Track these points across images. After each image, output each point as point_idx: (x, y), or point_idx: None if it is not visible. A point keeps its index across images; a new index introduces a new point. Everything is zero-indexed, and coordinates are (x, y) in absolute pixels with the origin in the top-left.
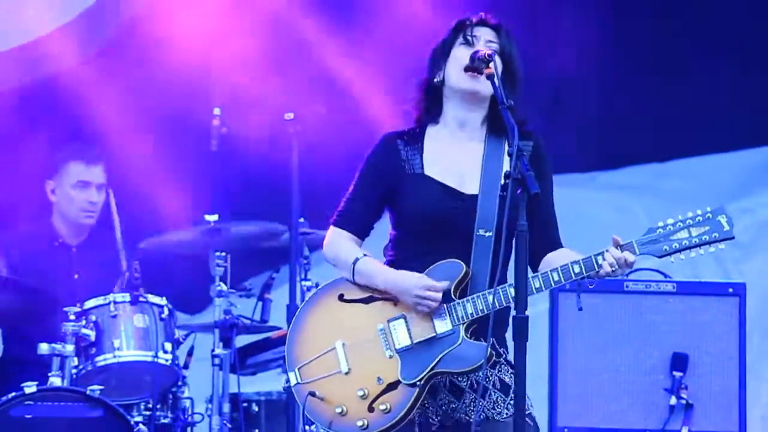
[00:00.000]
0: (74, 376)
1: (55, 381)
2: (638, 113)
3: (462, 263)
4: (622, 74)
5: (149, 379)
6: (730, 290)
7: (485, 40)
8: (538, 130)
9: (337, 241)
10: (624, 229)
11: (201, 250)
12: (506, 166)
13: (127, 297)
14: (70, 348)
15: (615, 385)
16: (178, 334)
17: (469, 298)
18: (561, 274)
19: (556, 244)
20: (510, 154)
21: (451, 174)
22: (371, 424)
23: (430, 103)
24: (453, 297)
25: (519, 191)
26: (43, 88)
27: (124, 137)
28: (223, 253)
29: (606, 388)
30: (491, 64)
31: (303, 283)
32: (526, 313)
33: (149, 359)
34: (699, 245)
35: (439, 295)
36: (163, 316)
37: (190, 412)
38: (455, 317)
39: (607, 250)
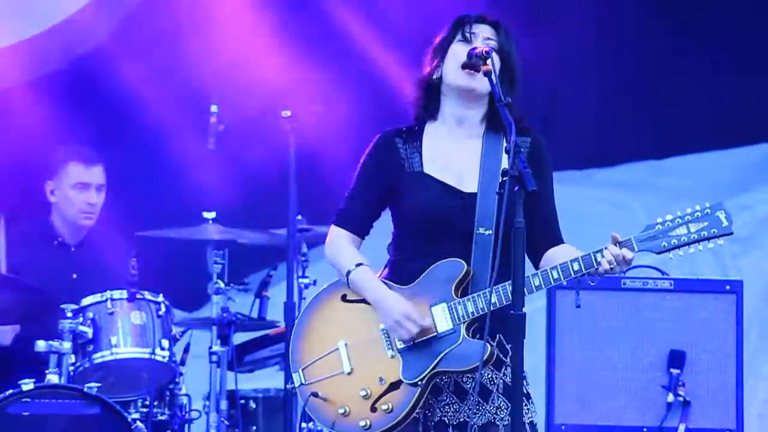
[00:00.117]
0: (72, 373)
1: (52, 378)
2: (635, 110)
3: (462, 262)
4: (620, 72)
5: (146, 376)
6: (728, 287)
7: (483, 37)
8: (536, 126)
9: (337, 244)
10: (622, 227)
11: (198, 247)
12: (504, 164)
13: (124, 294)
14: (67, 345)
15: (612, 383)
16: (175, 330)
17: (470, 296)
18: (560, 272)
19: (558, 240)
20: (507, 152)
21: (450, 172)
22: (374, 424)
23: (429, 100)
24: (454, 296)
25: (516, 189)
26: (39, 87)
27: (123, 134)
28: (221, 251)
29: (603, 385)
30: (488, 61)
31: (300, 280)
32: (523, 310)
33: (146, 356)
34: (698, 241)
35: (416, 329)
36: (160, 313)
37: (187, 409)
38: (456, 316)
39: (605, 248)
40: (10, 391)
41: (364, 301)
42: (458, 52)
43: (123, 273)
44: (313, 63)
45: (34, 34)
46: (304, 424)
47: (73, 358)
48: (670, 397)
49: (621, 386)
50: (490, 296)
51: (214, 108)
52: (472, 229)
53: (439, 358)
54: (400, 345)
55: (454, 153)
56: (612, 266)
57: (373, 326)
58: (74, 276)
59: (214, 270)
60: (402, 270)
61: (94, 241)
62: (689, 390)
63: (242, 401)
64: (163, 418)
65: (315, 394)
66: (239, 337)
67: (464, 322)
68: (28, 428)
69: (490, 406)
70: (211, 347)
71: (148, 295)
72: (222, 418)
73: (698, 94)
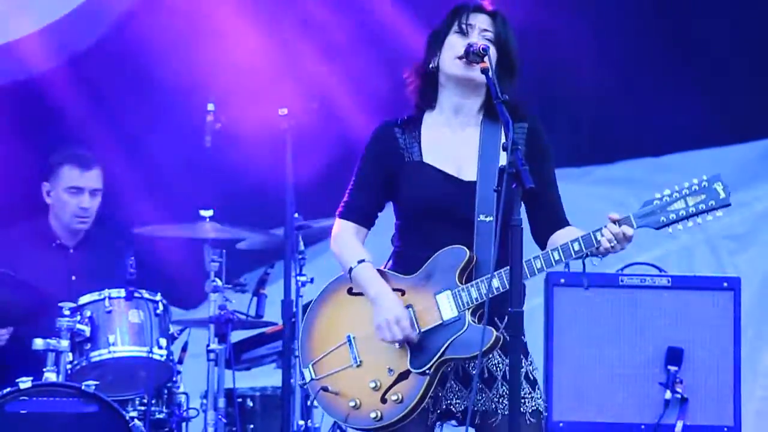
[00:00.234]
0: (69, 371)
1: (50, 376)
2: (634, 108)
3: (465, 249)
4: (618, 69)
5: (144, 374)
6: (725, 284)
7: (480, 28)
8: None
9: (343, 237)
10: None
11: (196, 246)
12: (503, 159)
13: (122, 292)
14: (65, 343)
15: (610, 380)
16: (173, 329)
17: (473, 282)
18: (561, 253)
19: (562, 223)
20: (505, 149)
21: (449, 161)
22: (385, 415)
23: (427, 88)
24: (458, 283)
25: (514, 186)
26: (35, 88)
27: (120, 133)
28: (218, 249)
29: (601, 382)
30: (486, 58)
31: (298, 278)
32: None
33: (144, 355)
34: (696, 214)
35: (401, 335)
36: (157, 311)
37: (185, 408)
38: (460, 303)
39: (605, 226)
40: (8, 389)
41: None
42: (455, 44)
43: (122, 275)
44: (310, 61)
45: (31, 32)
46: (301, 422)
47: (70, 357)
48: (668, 394)
49: (619, 383)
50: (495, 281)
51: (210, 106)
52: (473, 217)
53: (445, 345)
54: None
55: (453, 142)
56: (612, 244)
57: None
58: (73, 278)
59: (212, 268)
60: (406, 260)
61: (93, 243)
62: (687, 387)
63: (240, 399)
64: (161, 416)
65: (325, 389)
66: (237, 335)
67: (469, 309)
68: (26, 426)
69: (493, 394)
70: (208, 345)
71: (145, 294)
72: (220, 416)
73: (696, 92)
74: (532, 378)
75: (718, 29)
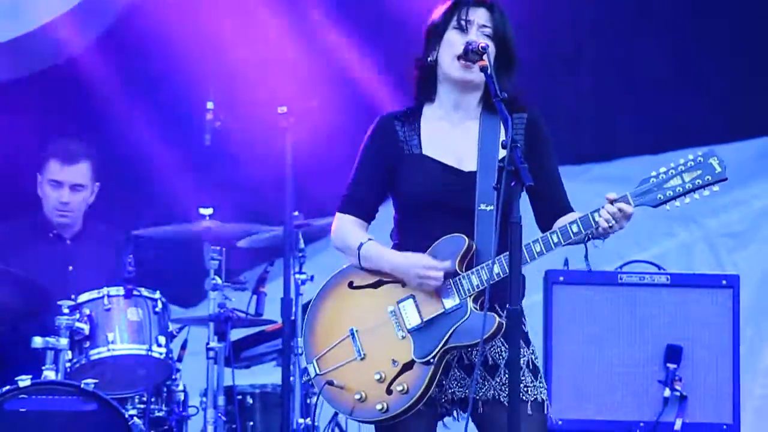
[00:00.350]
0: (68, 369)
1: (49, 375)
2: (633, 106)
3: (464, 237)
4: (617, 67)
5: (143, 372)
6: (724, 282)
7: (479, 24)
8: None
9: (343, 227)
10: None
11: (195, 244)
12: (503, 152)
13: (121, 290)
14: (64, 341)
15: (609, 377)
16: (172, 327)
17: (474, 270)
18: (560, 236)
19: (567, 209)
20: (504, 146)
21: (449, 153)
22: (391, 407)
23: (426, 82)
24: (459, 271)
25: (513, 184)
26: (37, 80)
27: (119, 131)
28: (218, 247)
29: (600, 380)
30: (484, 57)
31: (298, 276)
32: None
33: (143, 353)
34: (693, 190)
35: (440, 274)
36: (156, 309)
37: (184, 406)
38: (462, 291)
39: (603, 207)
40: (7, 387)
41: (370, 285)
42: (453, 41)
43: (119, 266)
44: (310, 59)
45: (27, 31)
46: (301, 420)
47: (69, 355)
48: (667, 392)
49: (618, 381)
50: (496, 267)
51: (210, 104)
52: (473, 207)
53: (448, 334)
54: (410, 325)
55: (453, 135)
56: (611, 224)
57: (381, 310)
58: (70, 269)
59: (211, 266)
60: (406, 251)
61: (90, 234)
62: (686, 385)
63: (239, 397)
64: (161, 414)
65: (330, 383)
66: (236, 333)
67: (470, 296)
68: (24, 425)
69: (497, 382)
70: (208, 343)
71: (144, 292)
72: (219, 414)
73: (695, 90)
74: (532, 367)
75: (717, 28)
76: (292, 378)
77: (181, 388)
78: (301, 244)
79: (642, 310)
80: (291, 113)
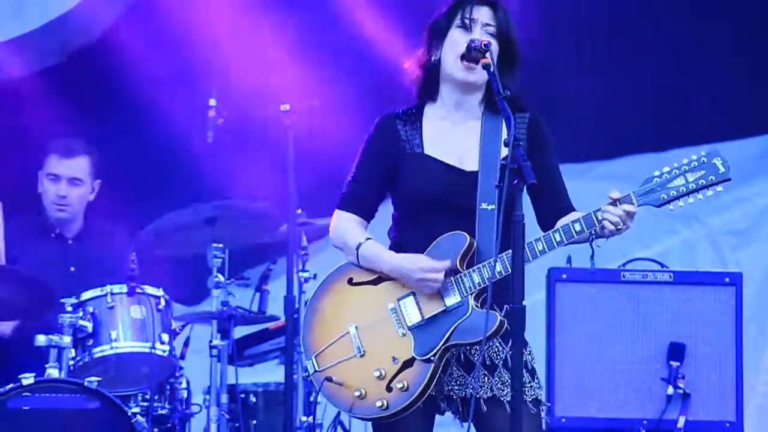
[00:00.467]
0: (72, 367)
1: (52, 372)
2: (635, 104)
3: (465, 234)
4: (618, 65)
5: (146, 370)
6: (727, 280)
7: (482, 23)
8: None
9: (342, 225)
10: None
11: (198, 242)
12: (505, 150)
13: (124, 288)
14: (67, 339)
15: (612, 375)
16: (175, 325)
17: (475, 267)
18: (563, 234)
19: (568, 209)
20: (507, 144)
21: (450, 153)
22: (391, 404)
23: (428, 81)
24: (460, 269)
25: (516, 182)
26: (40, 77)
27: (123, 128)
28: (221, 245)
29: (603, 377)
30: (487, 54)
31: (300, 274)
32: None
33: (146, 350)
34: (696, 190)
35: (440, 275)
36: (160, 307)
37: (187, 403)
38: (463, 288)
39: (606, 206)
40: (11, 385)
41: (370, 282)
42: (457, 40)
43: (121, 266)
44: (312, 57)
45: (33, 28)
46: (304, 418)
47: (73, 353)
48: (670, 390)
49: (621, 379)
50: (497, 265)
51: (212, 102)
52: (474, 206)
53: (450, 331)
54: (410, 323)
55: (454, 134)
56: (614, 223)
57: (382, 307)
58: (72, 269)
59: (214, 264)
60: (405, 251)
61: (92, 234)
62: (689, 382)
63: (242, 395)
64: (164, 412)
65: (329, 379)
66: (239, 331)
67: (472, 294)
68: (28, 423)
69: (495, 381)
70: (211, 341)
71: (147, 289)
72: (222, 412)
73: (697, 88)
74: (530, 367)
75: (718, 26)
76: (295, 376)
77: (184, 385)
78: (304, 242)
79: (645, 308)
80: (293, 111)
